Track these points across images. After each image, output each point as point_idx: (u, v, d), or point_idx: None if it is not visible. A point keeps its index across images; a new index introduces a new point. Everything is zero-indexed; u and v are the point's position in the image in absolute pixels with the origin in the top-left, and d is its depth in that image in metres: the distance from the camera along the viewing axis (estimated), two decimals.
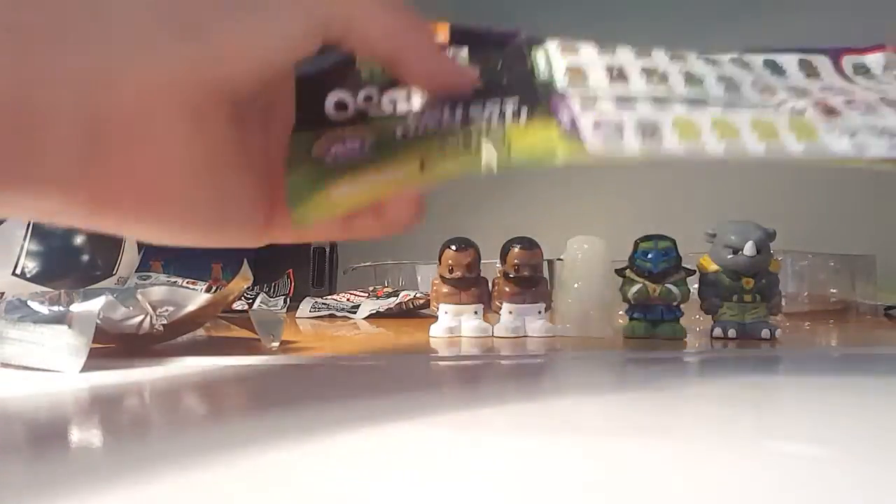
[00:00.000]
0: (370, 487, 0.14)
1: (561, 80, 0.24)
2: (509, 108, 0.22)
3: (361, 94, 0.24)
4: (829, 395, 0.25)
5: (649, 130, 0.21)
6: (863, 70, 0.28)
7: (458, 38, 0.25)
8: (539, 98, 0.22)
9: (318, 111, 0.24)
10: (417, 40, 0.22)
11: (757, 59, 0.28)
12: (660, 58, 0.26)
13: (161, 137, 0.18)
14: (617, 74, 0.24)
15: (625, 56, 0.25)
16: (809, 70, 0.27)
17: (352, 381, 0.29)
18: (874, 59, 0.28)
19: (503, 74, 0.24)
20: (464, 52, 0.25)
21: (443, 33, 0.25)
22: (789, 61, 0.28)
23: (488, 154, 0.20)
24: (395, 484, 0.14)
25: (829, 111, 0.23)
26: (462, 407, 0.23)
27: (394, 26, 0.21)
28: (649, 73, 0.25)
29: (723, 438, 0.18)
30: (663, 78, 0.24)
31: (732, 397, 0.25)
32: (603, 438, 0.18)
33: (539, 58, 0.25)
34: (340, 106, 0.24)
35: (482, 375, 0.31)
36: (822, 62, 0.28)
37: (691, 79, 0.25)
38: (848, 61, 0.28)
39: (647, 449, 0.17)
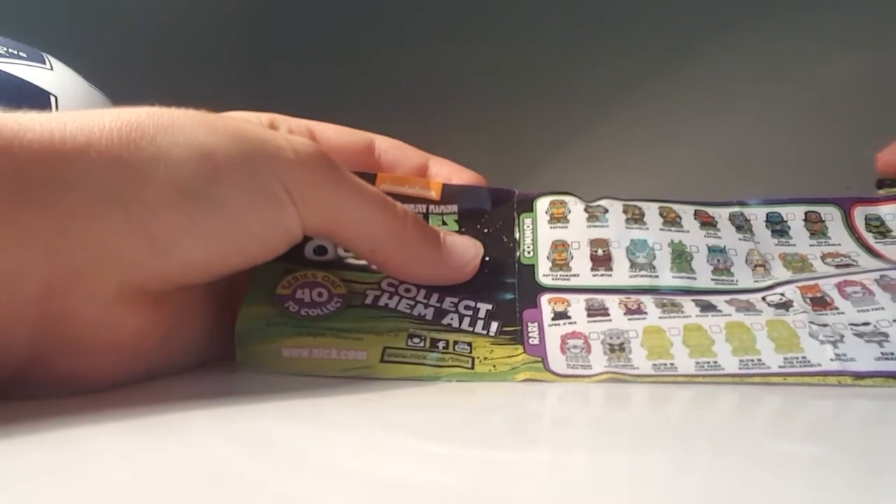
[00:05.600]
0: None
1: (542, 266, 0.24)
2: (481, 316, 0.22)
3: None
4: None
5: (617, 346, 0.21)
6: (876, 223, 0.27)
7: (448, 197, 0.25)
8: (513, 307, 0.23)
9: (296, 251, 0.23)
10: (404, 243, 0.22)
11: (761, 214, 0.27)
12: (652, 219, 0.25)
13: (121, 330, 0.18)
14: (602, 255, 0.24)
15: (614, 225, 0.25)
16: (814, 228, 0.26)
17: None
18: (889, 211, 0.27)
19: (486, 243, 0.24)
20: (453, 209, 0.25)
21: (435, 191, 0.26)
22: (795, 214, 0.27)
23: (451, 371, 0.20)
24: None
25: (819, 303, 0.22)
26: None
27: (380, 228, 0.21)
28: (636, 247, 0.24)
29: None
30: (650, 255, 0.24)
31: None
32: None
33: (526, 228, 0.25)
34: (320, 251, 0.24)
35: None
36: (832, 214, 0.27)
37: (680, 257, 0.24)
38: (860, 213, 0.27)
39: None
